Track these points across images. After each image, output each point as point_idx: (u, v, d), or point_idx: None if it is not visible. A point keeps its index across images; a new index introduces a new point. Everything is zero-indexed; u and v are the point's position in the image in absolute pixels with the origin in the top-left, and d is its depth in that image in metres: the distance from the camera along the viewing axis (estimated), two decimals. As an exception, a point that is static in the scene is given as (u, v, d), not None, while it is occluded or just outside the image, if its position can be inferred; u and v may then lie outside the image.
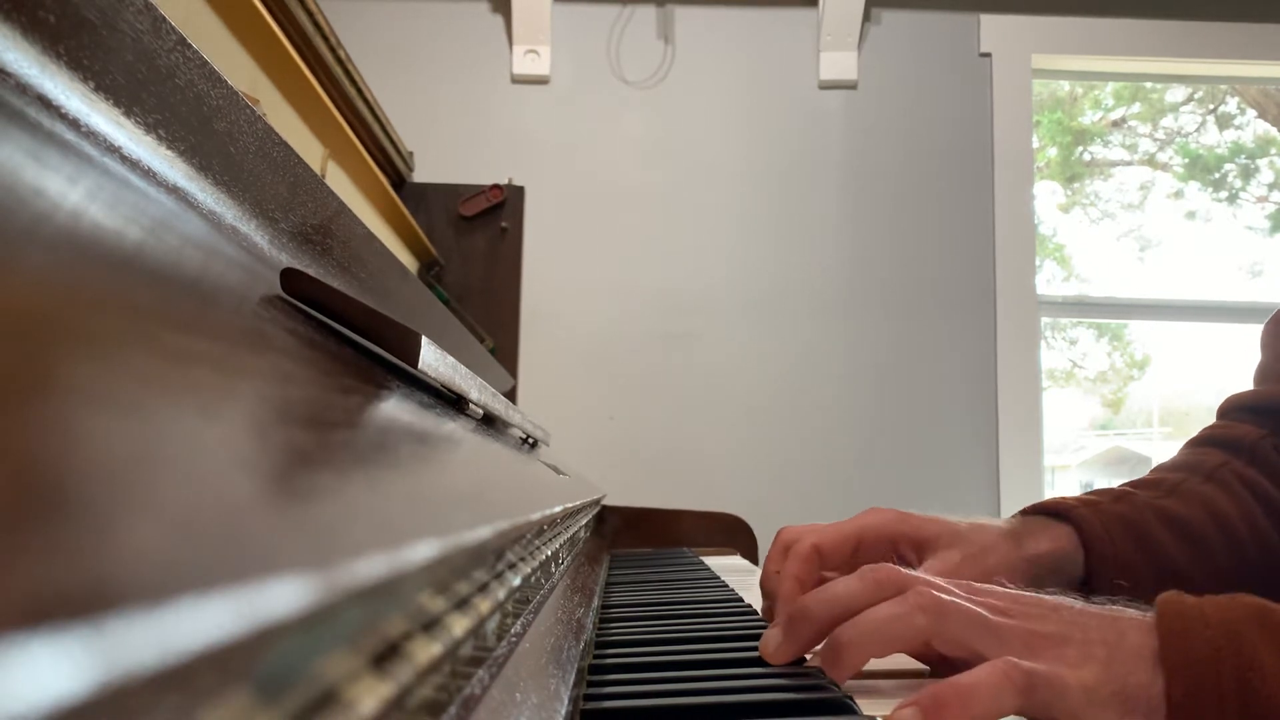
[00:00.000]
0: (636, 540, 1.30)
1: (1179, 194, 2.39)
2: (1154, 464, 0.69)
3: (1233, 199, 2.35)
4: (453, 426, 0.37)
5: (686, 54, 1.98)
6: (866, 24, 1.99)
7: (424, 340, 0.33)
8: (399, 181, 1.80)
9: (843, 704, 0.34)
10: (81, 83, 0.22)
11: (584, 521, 0.77)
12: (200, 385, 0.15)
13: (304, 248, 0.38)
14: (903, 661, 0.44)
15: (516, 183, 1.89)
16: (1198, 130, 2.38)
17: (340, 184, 1.30)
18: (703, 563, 0.98)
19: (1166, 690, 0.33)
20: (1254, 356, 0.72)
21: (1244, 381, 0.72)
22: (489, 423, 0.51)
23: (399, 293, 0.59)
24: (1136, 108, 2.41)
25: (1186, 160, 2.38)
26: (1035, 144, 2.05)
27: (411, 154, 1.84)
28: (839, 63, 1.98)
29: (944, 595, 0.37)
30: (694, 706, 0.34)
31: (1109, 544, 0.58)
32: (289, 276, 0.30)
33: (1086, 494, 0.63)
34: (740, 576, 0.88)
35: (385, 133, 1.57)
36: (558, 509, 0.44)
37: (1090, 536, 0.58)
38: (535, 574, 0.37)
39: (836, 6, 1.95)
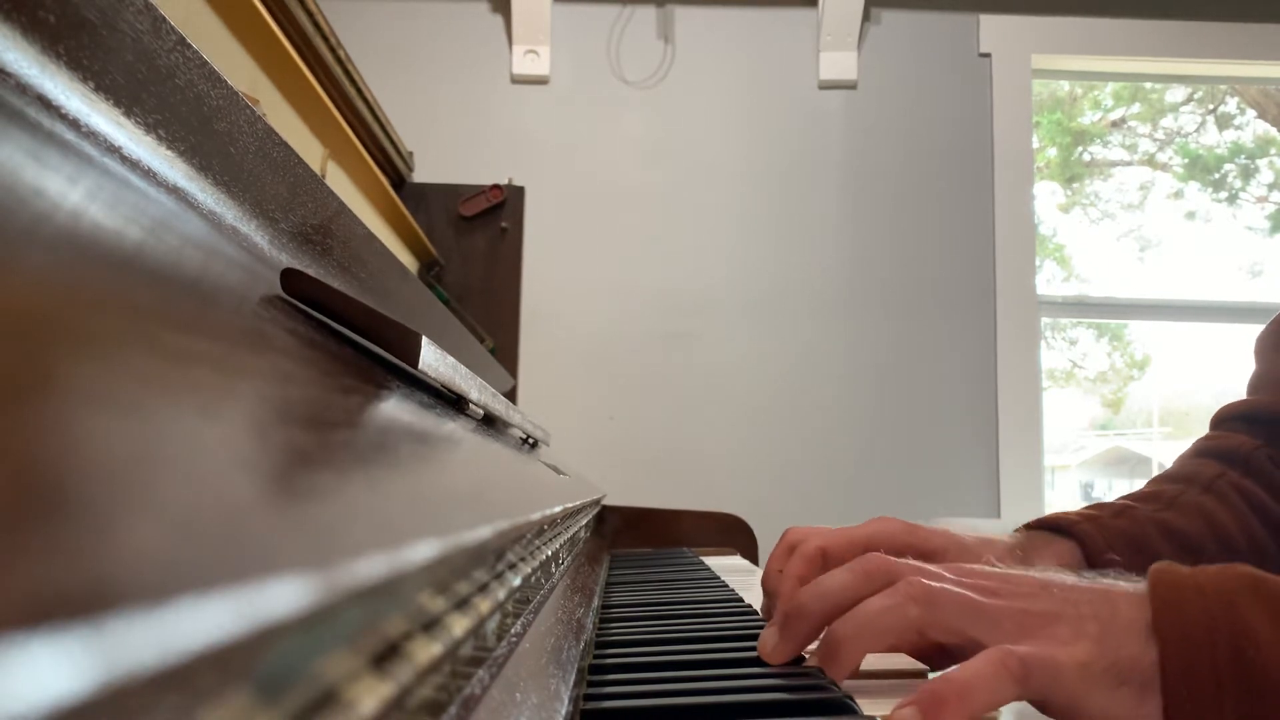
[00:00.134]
0: (636, 540, 1.30)
1: (1179, 194, 2.39)
2: (1154, 464, 0.69)
3: (1232, 199, 2.35)
4: (453, 426, 0.37)
5: (686, 54, 1.98)
6: (866, 24, 1.99)
7: (424, 340, 0.33)
8: (399, 181, 1.80)
9: (842, 704, 0.34)
10: (81, 83, 0.22)
11: (584, 521, 0.77)
12: (200, 385, 0.15)
13: (304, 248, 0.38)
14: (902, 661, 0.44)
15: (516, 183, 1.89)
16: (1197, 130, 2.38)
17: (340, 184, 1.30)
18: (703, 563, 0.98)
19: (1160, 660, 0.33)
20: (1252, 359, 0.72)
21: (1244, 381, 0.72)
22: (489, 423, 0.51)
23: (399, 293, 0.59)
24: (1136, 108, 2.41)
25: (1186, 160, 2.38)
26: (1035, 144, 2.05)
27: (411, 154, 1.84)
28: (839, 63, 1.98)
29: (934, 583, 0.37)
30: (694, 706, 0.34)
31: (1112, 559, 0.58)
32: (289, 276, 0.30)
33: (1087, 508, 0.64)
34: (740, 576, 0.88)
35: (385, 133, 1.57)
36: (558, 509, 0.44)
37: (1093, 551, 0.59)
38: (535, 574, 0.37)
39: (836, 6, 1.95)
